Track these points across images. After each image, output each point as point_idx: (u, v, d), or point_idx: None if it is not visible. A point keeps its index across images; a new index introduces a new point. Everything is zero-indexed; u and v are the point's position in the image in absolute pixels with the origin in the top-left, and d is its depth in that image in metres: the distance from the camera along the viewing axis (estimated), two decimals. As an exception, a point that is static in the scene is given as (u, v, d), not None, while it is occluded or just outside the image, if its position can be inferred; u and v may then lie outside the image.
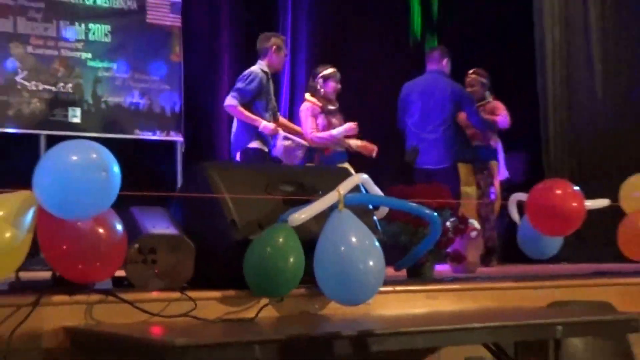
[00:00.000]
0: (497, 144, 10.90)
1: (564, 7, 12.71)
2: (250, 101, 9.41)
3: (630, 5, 12.71)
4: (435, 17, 14.09)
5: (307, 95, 10.06)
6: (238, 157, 9.53)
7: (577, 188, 6.38)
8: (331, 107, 10.12)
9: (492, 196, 10.46)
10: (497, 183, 10.61)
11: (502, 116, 10.62)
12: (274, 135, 9.63)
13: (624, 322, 5.14)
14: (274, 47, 9.72)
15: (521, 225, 6.56)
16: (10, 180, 4.66)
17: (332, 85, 10.09)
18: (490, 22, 13.32)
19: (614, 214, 7.14)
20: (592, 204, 6.39)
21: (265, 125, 9.41)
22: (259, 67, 9.62)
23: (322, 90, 10.00)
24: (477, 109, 10.52)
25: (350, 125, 9.84)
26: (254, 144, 9.39)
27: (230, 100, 9.38)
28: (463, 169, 10.53)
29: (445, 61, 10.61)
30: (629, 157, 11.65)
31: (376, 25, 13.27)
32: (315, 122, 9.96)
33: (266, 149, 9.53)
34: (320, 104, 9.98)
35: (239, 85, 9.44)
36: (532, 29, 12.70)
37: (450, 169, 10.36)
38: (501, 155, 10.96)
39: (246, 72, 9.61)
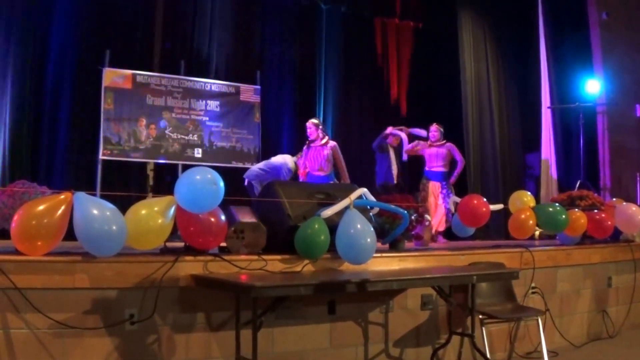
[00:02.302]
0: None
1: (478, 92, 13.31)
2: None
3: (513, 89, 13.77)
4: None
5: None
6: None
7: (484, 199, 7.07)
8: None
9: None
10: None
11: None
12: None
13: (509, 274, 5.83)
14: None
15: (454, 219, 7.17)
16: (163, 190, 5.53)
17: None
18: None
19: (504, 212, 7.73)
20: (493, 207, 7.05)
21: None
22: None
23: None
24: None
25: None
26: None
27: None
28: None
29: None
30: (508, 177, 12.88)
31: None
32: None
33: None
34: None
35: None
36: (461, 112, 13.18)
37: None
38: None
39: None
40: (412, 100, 14.49)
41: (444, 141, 11.15)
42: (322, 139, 10.19)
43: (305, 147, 10.33)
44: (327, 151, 10.08)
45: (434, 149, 11.04)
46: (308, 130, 10.28)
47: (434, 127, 11.17)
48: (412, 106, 14.35)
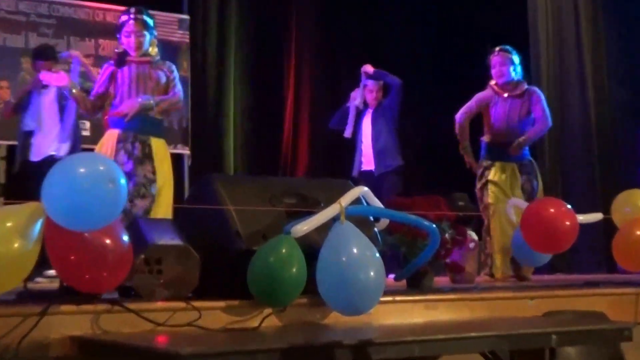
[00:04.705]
0: None
1: (558, 29, 12.05)
2: None
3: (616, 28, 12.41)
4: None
5: None
6: None
7: (569, 207, 6.11)
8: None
9: None
10: None
11: None
12: None
13: (616, 331, 5.07)
14: None
15: (514, 238, 6.43)
16: (23, 192, 4.60)
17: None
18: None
19: (603, 226, 7.16)
20: (584, 218, 6.22)
21: None
22: None
23: None
24: None
25: None
26: None
27: None
28: None
29: None
30: (607, 167, 11.26)
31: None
32: None
33: None
34: None
35: None
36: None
37: None
38: None
39: None
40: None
41: (521, 83, 8.01)
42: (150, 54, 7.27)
43: (112, 64, 7.23)
44: (158, 72, 7.20)
45: (506, 102, 7.94)
46: (126, 38, 7.09)
47: (497, 57, 7.95)
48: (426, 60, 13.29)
